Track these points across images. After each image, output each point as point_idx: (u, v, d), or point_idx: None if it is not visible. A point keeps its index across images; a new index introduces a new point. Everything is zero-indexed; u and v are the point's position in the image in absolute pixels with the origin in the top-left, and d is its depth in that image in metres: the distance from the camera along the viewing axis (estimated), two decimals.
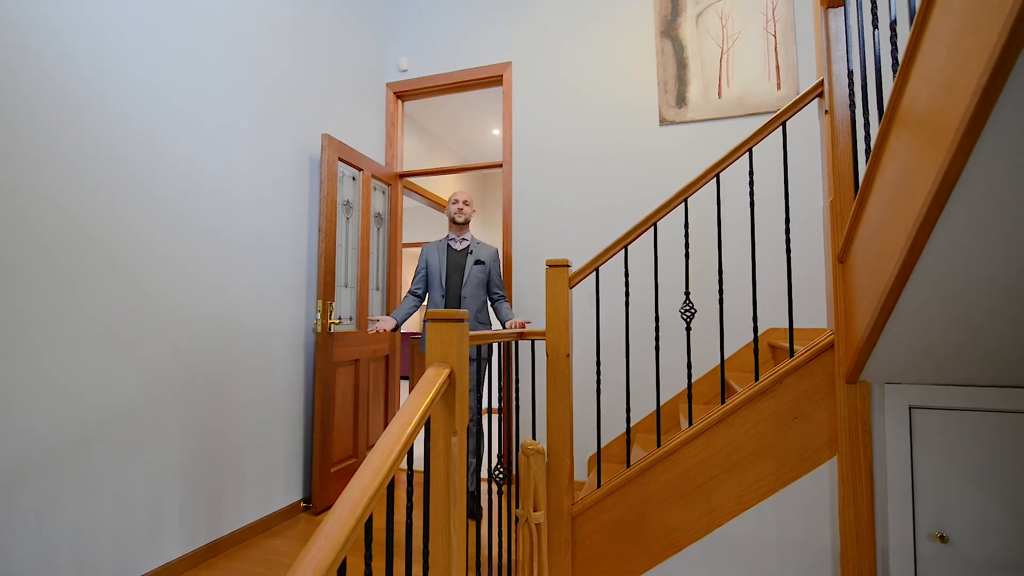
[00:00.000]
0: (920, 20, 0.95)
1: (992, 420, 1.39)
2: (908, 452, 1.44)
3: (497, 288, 2.84)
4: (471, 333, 1.51)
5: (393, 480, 0.94)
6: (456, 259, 2.84)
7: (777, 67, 2.79)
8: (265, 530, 2.47)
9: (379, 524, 2.36)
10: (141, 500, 1.92)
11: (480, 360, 1.90)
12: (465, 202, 2.88)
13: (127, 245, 1.90)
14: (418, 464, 3.68)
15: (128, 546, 1.86)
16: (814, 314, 2.60)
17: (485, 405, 4.08)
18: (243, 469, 2.38)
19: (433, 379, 1.16)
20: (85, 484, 1.74)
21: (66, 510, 1.68)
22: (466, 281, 2.78)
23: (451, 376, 1.21)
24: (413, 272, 2.92)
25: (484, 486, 3.05)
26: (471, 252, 2.85)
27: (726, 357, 2.72)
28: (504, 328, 2.50)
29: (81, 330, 1.74)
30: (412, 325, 9.04)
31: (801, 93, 2.75)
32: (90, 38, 1.79)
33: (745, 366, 2.68)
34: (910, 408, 1.44)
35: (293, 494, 2.69)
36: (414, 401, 1.08)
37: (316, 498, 2.69)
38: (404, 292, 5.10)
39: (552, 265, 1.84)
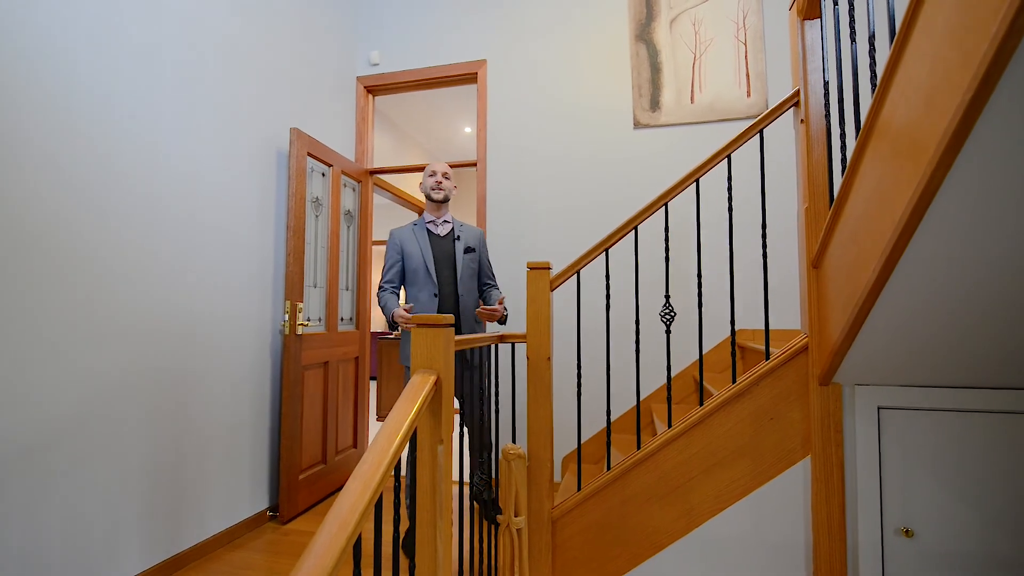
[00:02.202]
0: (901, 37, 0.98)
1: (955, 419, 1.47)
2: (877, 451, 1.50)
3: (488, 278, 2.45)
4: (460, 337, 1.48)
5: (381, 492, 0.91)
6: (442, 247, 2.32)
7: (747, 75, 2.87)
8: (230, 541, 2.36)
9: (364, 535, 2.30)
10: (96, 512, 1.80)
11: (466, 368, 1.67)
12: (445, 175, 2.34)
13: (79, 242, 1.77)
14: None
15: (81, 563, 1.74)
16: (779, 315, 2.68)
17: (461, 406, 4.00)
18: (206, 477, 2.26)
19: (419, 387, 1.13)
20: (33, 497, 1.61)
21: (12, 525, 1.55)
22: (460, 275, 2.29)
23: (437, 383, 1.18)
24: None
25: (465, 489, 3.01)
26: (458, 238, 2.35)
27: (697, 357, 2.77)
28: (493, 306, 2.17)
29: (28, 331, 1.61)
30: (380, 325, 8.86)
31: (768, 100, 2.85)
32: (39, 22, 1.66)
33: (717, 366, 2.74)
34: (879, 409, 1.50)
35: (259, 502, 2.59)
36: (401, 410, 1.04)
37: (283, 506, 2.59)
38: (374, 291, 4.92)
39: (533, 267, 1.83)
